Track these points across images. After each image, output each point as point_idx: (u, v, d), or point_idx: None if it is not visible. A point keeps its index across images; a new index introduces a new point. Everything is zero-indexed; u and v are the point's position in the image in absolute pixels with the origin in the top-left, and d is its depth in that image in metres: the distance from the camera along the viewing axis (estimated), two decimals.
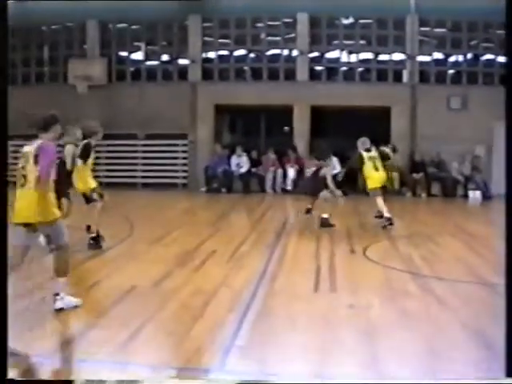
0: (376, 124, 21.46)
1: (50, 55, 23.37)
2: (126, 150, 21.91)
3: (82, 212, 10.53)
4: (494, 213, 17.94)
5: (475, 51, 21.87)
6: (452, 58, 22.03)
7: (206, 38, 22.66)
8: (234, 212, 17.02)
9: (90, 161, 10.88)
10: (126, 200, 16.65)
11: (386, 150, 15.87)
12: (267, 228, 13.22)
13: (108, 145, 19.75)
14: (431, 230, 13.20)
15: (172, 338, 6.04)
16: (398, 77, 22.07)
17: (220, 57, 22.78)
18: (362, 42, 22.21)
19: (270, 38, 22.60)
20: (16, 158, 7.01)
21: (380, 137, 21.51)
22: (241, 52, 22.66)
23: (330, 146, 21.73)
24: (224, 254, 9.98)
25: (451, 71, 22.04)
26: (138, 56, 23.15)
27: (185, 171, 22.44)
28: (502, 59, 21.19)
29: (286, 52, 22.54)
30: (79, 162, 10.61)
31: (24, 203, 6.66)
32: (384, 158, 14.47)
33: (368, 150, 13.85)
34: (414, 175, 20.88)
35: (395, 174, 21.01)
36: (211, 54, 22.79)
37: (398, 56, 22.05)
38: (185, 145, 22.31)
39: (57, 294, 6.82)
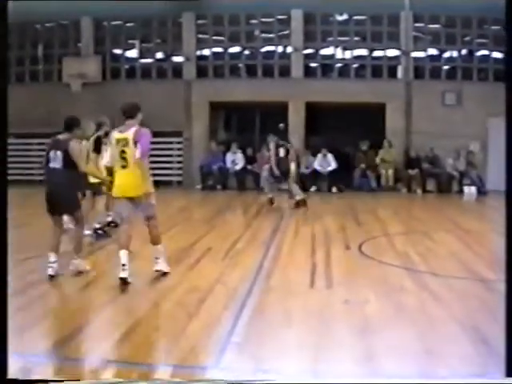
0: (371, 120, 21.50)
1: (45, 53, 23.33)
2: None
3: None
4: (489, 208, 17.99)
5: (470, 47, 21.90)
6: (446, 54, 22.06)
7: (200, 36, 22.65)
8: (229, 209, 17.01)
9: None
10: None
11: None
12: (262, 225, 13.23)
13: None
14: (426, 226, 13.23)
15: (167, 336, 6.05)
16: (392, 73, 22.09)
17: (214, 54, 22.77)
18: (356, 38, 22.22)
19: (264, 34, 22.60)
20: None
21: (375, 133, 21.62)
22: (235, 49, 22.64)
23: (325, 142, 21.92)
24: (219, 251, 9.98)
25: (446, 67, 22.07)
26: (132, 54, 23.13)
27: (180, 169, 22.45)
28: (496, 55, 21.24)
29: (280, 49, 22.54)
30: (92, 155, 11.07)
31: (126, 180, 7.96)
32: None
33: None
34: (410, 171, 20.90)
35: (390, 171, 21.07)
36: (205, 52, 22.78)
37: (392, 52, 22.06)
38: (180, 142, 22.31)
39: (157, 258, 8.24)
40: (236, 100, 21.78)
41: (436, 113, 21.19)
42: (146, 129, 8.01)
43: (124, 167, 7.98)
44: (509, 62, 3.47)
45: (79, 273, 8.47)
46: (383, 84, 21.81)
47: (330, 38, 22.32)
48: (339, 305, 6.96)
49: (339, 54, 22.40)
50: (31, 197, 12.75)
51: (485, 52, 21.74)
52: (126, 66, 23.08)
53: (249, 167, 21.58)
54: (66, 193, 8.43)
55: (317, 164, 21.23)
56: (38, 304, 7.13)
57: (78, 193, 9.18)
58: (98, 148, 11.33)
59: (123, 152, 7.95)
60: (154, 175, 13.95)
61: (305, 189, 18.88)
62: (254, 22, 22.50)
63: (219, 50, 22.76)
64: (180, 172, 22.41)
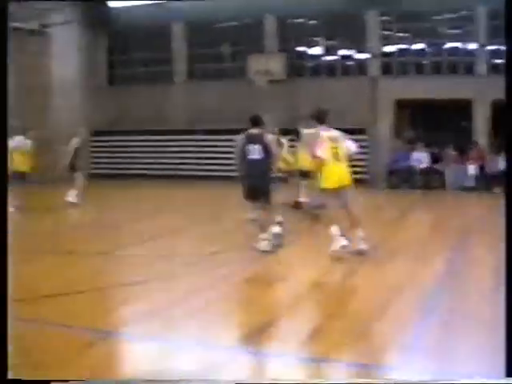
0: None
1: (231, 51, 23.89)
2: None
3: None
4: None
5: None
6: None
7: (385, 32, 22.29)
8: (415, 210, 16.60)
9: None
10: None
11: None
12: (450, 226, 12.79)
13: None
14: None
15: (353, 335, 5.94)
16: None
17: (399, 51, 22.34)
18: None
19: (449, 31, 21.89)
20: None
21: None
22: (419, 46, 22.10)
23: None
24: (407, 253, 9.72)
25: None
26: (316, 51, 23.17)
27: (363, 167, 22.14)
28: None
29: (465, 45, 21.73)
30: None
31: (340, 172, 9.40)
32: None
33: None
34: None
35: None
36: (390, 48, 22.39)
37: None
38: (364, 140, 22.01)
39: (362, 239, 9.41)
40: (421, 97, 21.21)
41: None
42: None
43: (338, 160, 9.38)
44: (509, 62, 3.32)
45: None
46: None
47: None
48: None
49: None
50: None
51: None
52: (310, 64, 23.15)
53: (434, 166, 20.98)
54: (266, 181, 9.79)
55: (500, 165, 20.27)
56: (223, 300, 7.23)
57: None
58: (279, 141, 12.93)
59: (335, 148, 9.40)
60: None
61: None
62: (437, 17, 21.84)
63: (404, 46, 22.30)
64: (364, 170, 22.09)
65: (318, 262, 8.90)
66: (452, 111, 21.94)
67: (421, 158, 21.07)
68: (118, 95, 24.63)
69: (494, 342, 5.11)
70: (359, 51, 22.68)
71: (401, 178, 21.08)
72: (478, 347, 5.53)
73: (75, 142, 16.02)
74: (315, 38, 23.11)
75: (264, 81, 22.38)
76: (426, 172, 21.00)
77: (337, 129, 9.65)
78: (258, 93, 22.06)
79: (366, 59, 22.43)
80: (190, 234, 12.03)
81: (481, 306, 6.71)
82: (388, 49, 22.46)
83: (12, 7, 17.13)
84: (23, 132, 15.75)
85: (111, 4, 24.36)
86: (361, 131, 21.67)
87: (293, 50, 23.22)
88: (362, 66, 22.58)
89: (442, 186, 20.55)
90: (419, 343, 5.66)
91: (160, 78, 24.75)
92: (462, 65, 21.64)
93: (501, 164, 20.12)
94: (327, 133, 9.48)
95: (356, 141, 10.22)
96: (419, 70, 22.14)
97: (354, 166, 10.24)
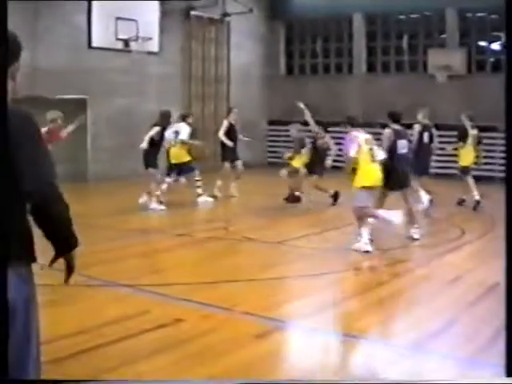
0: None
1: (409, 44, 23.74)
2: (485, 143, 21.07)
3: None
4: None
5: None
6: None
7: None
8: None
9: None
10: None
11: None
12: None
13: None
14: None
15: None
16: None
17: None
18: None
19: None
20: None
21: None
22: None
23: None
24: None
25: None
26: (497, 46, 22.59)
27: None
28: None
29: None
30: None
31: (377, 172, 10.17)
32: None
33: None
34: None
35: None
36: None
37: None
38: None
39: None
40: None
41: None
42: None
43: (372, 161, 10.35)
44: (509, 62, 3.30)
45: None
46: None
47: None
48: None
49: None
50: None
51: None
52: (492, 59, 22.61)
53: None
54: (409, 174, 11.30)
55: None
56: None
57: None
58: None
59: (371, 150, 10.36)
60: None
61: None
62: None
63: None
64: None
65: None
66: None
67: None
68: (295, 85, 25.11)
69: None
70: None
71: None
72: None
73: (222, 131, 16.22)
74: (496, 33, 22.52)
75: (444, 75, 22.10)
76: None
77: None
78: (436, 87, 21.86)
79: None
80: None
81: None
82: None
83: None
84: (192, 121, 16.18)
85: None
86: None
87: (474, 44, 22.76)
88: None
89: None
90: None
91: (338, 70, 25.04)
92: None
93: None
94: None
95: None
96: None
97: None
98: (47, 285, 6.12)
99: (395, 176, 10.56)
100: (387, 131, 11.03)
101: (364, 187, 10.00)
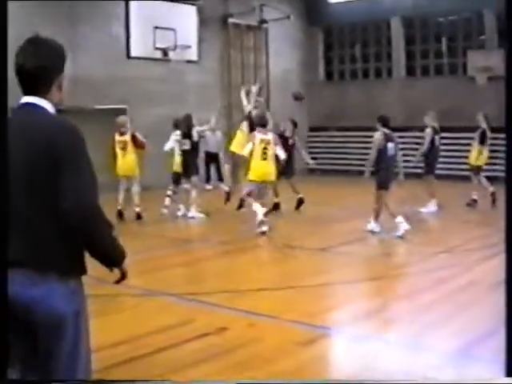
0: None
1: (448, 46, 23.52)
2: None
3: None
4: None
5: None
6: None
7: None
8: None
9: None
10: None
11: None
12: None
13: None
14: None
15: None
16: None
17: None
18: None
19: None
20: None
21: None
22: None
23: None
24: None
25: None
26: None
27: None
28: None
29: None
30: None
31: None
32: None
33: None
34: None
35: None
36: None
37: None
38: None
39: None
40: None
41: None
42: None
43: None
44: (509, 61, 3.24)
45: None
46: None
47: None
48: None
49: None
50: None
51: None
52: None
53: None
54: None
55: None
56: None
57: None
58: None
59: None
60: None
61: None
62: None
63: None
64: None
65: None
66: None
67: None
68: (335, 91, 25.08)
69: None
70: None
71: None
72: None
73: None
74: None
75: (484, 77, 21.84)
76: None
77: None
78: (476, 89, 21.61)
79: None
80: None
81: None
82: None
83: (231, 3, 18.47)
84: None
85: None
86: None
87: None
88: None
89: None
90: None
91: (377, 74, 24.92)
92: None
93: None
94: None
95: None
96: None
97: None
98: (94, 295, 6.16)
99: (385, 176, 11.57)
100: (378, 134, 11.74)
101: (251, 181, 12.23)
